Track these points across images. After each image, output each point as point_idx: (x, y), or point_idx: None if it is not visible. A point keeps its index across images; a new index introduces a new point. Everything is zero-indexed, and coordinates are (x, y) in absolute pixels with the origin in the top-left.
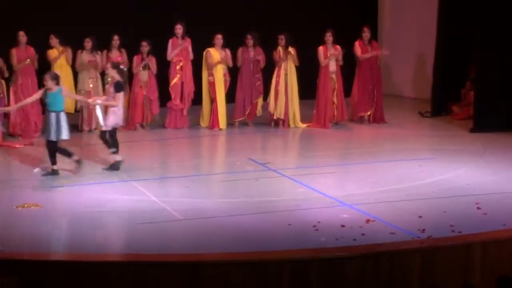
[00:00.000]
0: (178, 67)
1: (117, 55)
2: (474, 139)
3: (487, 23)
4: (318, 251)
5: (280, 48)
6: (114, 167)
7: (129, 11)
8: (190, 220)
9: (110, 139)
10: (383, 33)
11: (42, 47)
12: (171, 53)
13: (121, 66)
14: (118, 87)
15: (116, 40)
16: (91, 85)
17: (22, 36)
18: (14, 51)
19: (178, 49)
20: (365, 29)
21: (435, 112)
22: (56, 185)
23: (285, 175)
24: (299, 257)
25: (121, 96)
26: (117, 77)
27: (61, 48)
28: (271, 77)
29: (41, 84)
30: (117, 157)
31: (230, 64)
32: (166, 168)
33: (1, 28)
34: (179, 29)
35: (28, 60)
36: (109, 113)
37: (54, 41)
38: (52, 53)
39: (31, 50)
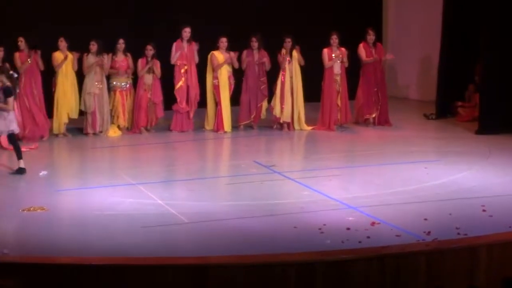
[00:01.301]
0: (182, 70)
1: (122, 58)
2: (479, 141)
3: (492, 25)
4: (323, 253)
5: (284, 51)
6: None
7: (134, 14)
8: (195, 223)
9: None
10: (388, 35)
11: (48, 50)
12: (174, 56)
13: (11, 72)
14: (8, 92)
15: (121, 44)
16: (98, 88)
17: (21, 42)
18: (17, 55)
19: (179, 52)
20: (370, 31)
21: (440, 114)
22: (62, 188)
23: (290, 177)
24: (305, 259)
25: (11, 100)
26: (6, 81)
27: (68, 54)
28: (275, 80)
29: (46, 87)
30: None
31: (236, 65)
32: (172, 171)
33: (5, 33)
34: (188, 32)
35: (29, 60)
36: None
37: (62, 44)
38: (58, 55)
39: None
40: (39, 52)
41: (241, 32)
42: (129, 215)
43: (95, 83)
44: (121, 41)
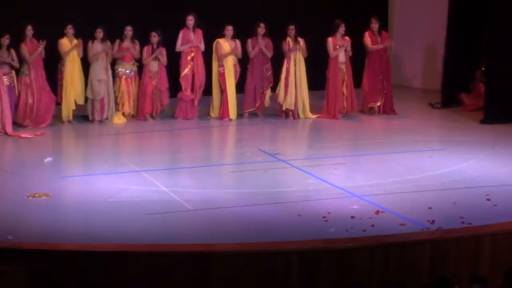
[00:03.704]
0: (189, 57)
1: (129, 45)
2: (484, 130)
3: (498, 14)
4: (327, 242)
5: (289, 39)
6: None
7: (139, 1)
8: (200, 211)
9: None
10: (394, 23)
11: (52, 38)
12: (181, 46)
13: None
14: None
15: (128, 31)
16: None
17: (29, 31)
18: (24, 45)
19: (188, 46)
20: (373, 20)
21: (445, 103)
22: (66, 175)
23: (294, 166)
24: (309, 247)
25: None
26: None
27: (74, 41)
28: (280, 68)
29: (50, 75)
30: None
31: (239, 55)
32: (176, 158)
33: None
34: (190, 20)
35: (40, 48)
36: None
37: (71, 31)
38: (64, 42)
39: (35, 42)
40: (43, 43)
41: (247, 20)
42: (134, 202)
43: (102, 69)
44: (128, 28)
